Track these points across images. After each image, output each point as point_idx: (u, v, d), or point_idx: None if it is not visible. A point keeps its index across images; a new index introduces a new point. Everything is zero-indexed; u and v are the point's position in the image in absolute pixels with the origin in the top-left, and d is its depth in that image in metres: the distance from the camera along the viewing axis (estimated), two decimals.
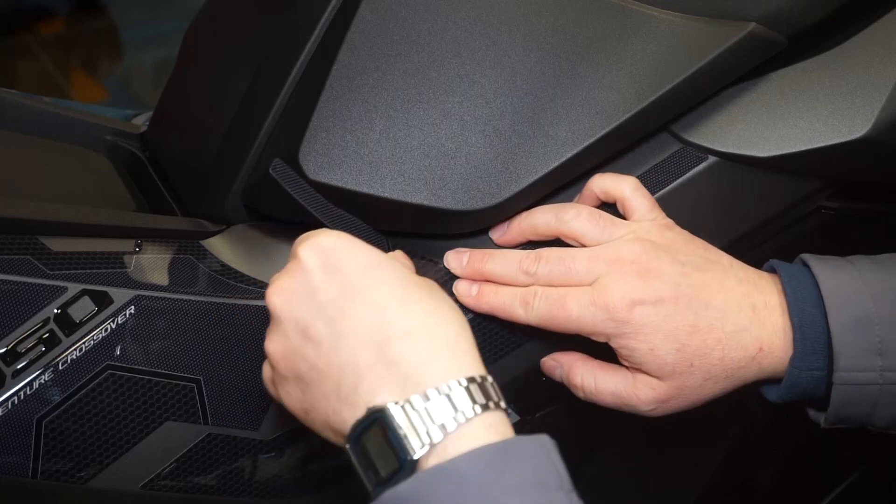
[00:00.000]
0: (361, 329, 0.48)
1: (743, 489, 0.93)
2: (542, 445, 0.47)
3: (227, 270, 0.63)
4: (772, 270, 0.61)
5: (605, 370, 0.61)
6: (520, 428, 0.70)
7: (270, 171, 0.61)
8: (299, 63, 0.62)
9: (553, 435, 0.71)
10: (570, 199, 0.65)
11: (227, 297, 0.62)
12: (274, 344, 0.52)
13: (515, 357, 0.65)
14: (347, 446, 0.48)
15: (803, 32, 0.66)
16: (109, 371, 0.58)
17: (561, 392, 0.68)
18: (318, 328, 0.50)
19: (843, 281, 0.58)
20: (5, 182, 0.68)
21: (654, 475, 0.85)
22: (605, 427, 0.76)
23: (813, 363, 0.58)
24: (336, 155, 0.60)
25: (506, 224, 0.64)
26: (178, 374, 0.60)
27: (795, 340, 0.57)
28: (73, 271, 0.58)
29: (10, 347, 0.56)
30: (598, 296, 0.57)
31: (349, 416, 0.48)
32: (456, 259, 0.63)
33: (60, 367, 0.57)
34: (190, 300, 0.61)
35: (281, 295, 0.51)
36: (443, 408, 0.46)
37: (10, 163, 0.72)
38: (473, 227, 0.64)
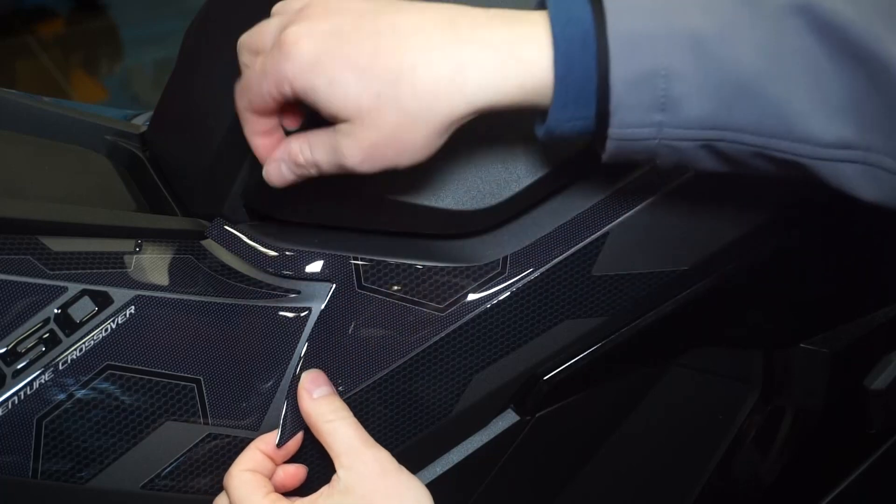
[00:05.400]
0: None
1: (742, 490, 0.93)
2: None
3: (227, 270, 0.63)
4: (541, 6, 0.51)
5: (315, 135, 0.54)
6: (519, 428, 0.70)
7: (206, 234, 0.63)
8: None
9: (552, 435, 0.71)
10: (570, 199, 0.64)
11: (227, 297, 0.62)
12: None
13: (515, 357, 0.65)
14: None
15: None
16: (109, 371, 0.58)
17: (561, 393, 0.68)
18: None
19: (634, 26, 0.48)
20: (5, 182, 0.68)
21: (653, 476, 0.85)
22: (604, 427, 0.76)
23: (576, 113, 0.50)
24: None
25: None
26: (179, 373, 0.60)
27: (557, 92, 0.49)
28: (74, 271, 0.58)
29: (10, 347, 0.56)
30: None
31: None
32: None
33: (60, 367, 0.57)
34: (190, 300, 0.61)
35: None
36: None
37: (10, 163, 0.72)
38: (473, 227, 0.64)
